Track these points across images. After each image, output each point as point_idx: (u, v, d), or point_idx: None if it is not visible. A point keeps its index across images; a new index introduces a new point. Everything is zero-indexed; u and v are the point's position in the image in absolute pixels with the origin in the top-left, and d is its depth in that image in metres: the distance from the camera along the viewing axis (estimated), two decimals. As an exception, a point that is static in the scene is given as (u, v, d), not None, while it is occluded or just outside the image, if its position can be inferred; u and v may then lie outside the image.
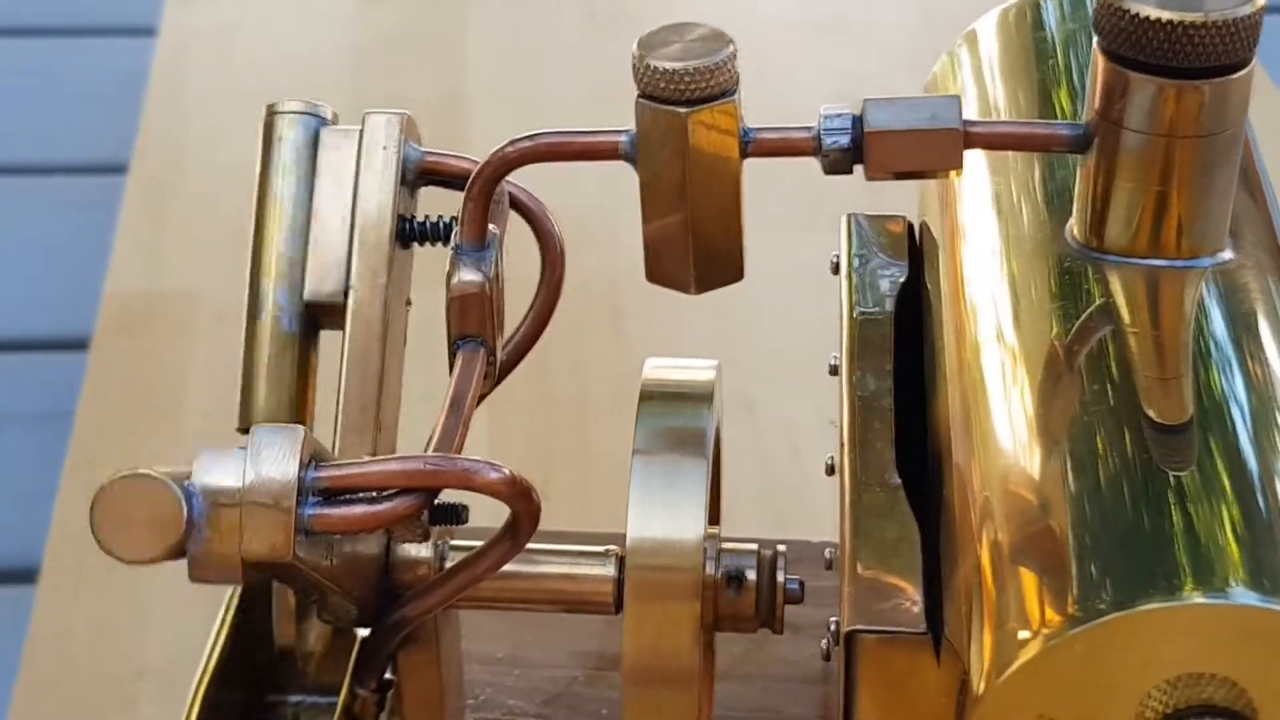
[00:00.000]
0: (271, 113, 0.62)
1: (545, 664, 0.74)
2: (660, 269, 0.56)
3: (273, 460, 0.50)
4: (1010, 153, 0.59)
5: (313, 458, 0.51)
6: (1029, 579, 0.46)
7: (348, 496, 0.51)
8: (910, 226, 0.65)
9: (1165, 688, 0.45)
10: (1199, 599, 0.44)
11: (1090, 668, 0.44)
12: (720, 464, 0.65)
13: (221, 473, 0.50)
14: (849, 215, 0.65)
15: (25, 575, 0.90)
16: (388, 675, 0.62)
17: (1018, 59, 0.64)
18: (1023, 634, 0.45)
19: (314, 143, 0.62)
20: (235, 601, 0.64)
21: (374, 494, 0.51)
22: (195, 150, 1.18)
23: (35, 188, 1.19)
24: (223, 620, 0.64)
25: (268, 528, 0.50)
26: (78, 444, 0.95)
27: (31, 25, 1.34)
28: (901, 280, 0.62)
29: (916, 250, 0.64)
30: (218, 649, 0.63)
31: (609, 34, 1.25)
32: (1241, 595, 0.44)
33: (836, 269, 0.64)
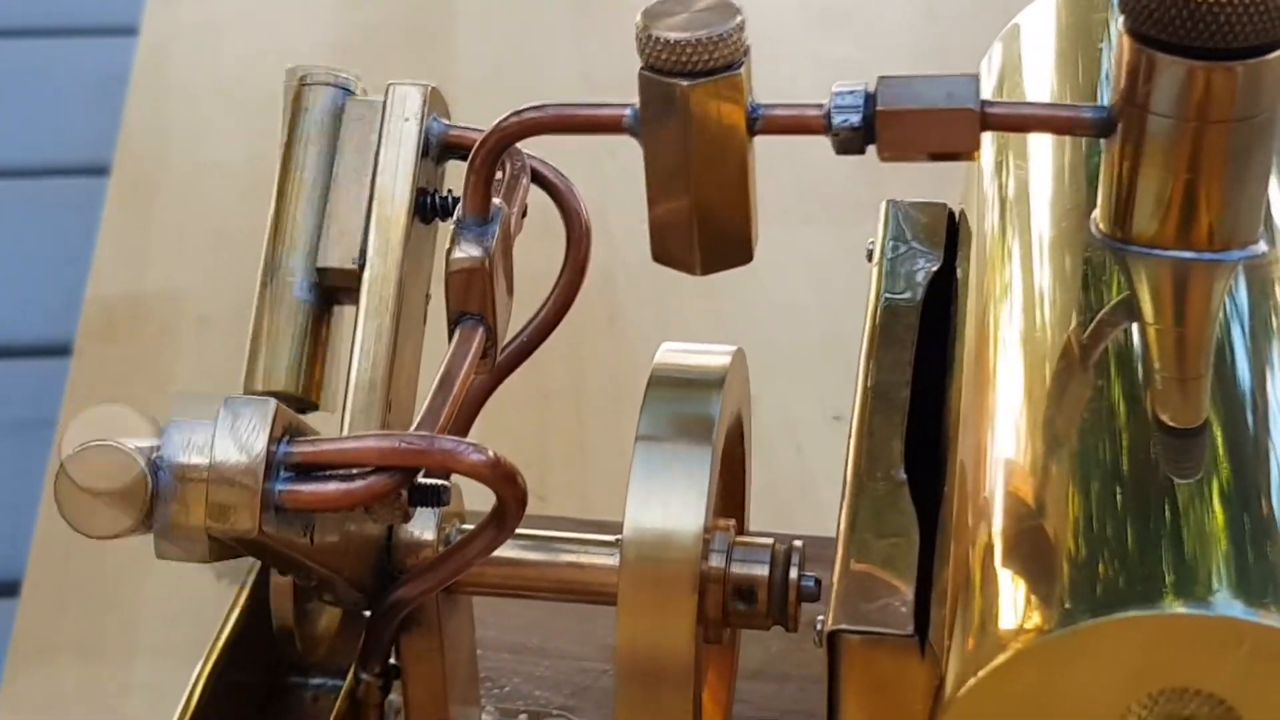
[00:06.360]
0: (298, 82, 0.61)
1: (576, 656, 0.72)
2: (665, 249, 0.54)
3: (242, 433, 0.49)
4: (1047, 136, 0.57)
5: (286, 431, 0.49)
6: (1010, 582, 0.44)
7: (322, 473, 0.49)
8: (951, 214, 0.62)
9: (1147, 702, 0.42)
10: (1179, 608, 0.41)
11: (1065, 679, 0.42)
12: (746, 455, 0.63)
13: (190, 445, 0.48)
14: (888, 201, 0.63)
15: (7, 588, 0.88)
16: (393, 661, 0.60)
17: (1068, 44, 0.61)
18: (995, 639, 0.42)
19: (338, 113, 0.61)
20: (251, 581, 0.63)
21: (351, 471, 0.50)
22: (178, 150, 1.17)
23: (15, 190, 1.17)
24: (235, 601, 0.63)
25: (234, 503, 0.48)
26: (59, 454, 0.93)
27: (10, 25, 1.33)
28: (935, 269, 0.60)
29: (954, 238, 0.61)
30: (228, 629, 0.62)
31: (599, 21, 1.23)
32: (1225, 605, 0.41)
33: (871, 256, 0.61)
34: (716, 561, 0.56)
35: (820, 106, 0.52)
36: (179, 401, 0.49)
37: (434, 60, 1.22)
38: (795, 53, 1.18)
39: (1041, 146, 0.57)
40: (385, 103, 0.60)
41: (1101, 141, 0.51)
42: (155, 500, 0.48)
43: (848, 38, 1.21)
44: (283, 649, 0.62)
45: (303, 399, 0.59)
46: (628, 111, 0.52)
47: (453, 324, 0.55)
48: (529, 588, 0.60)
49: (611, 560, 0.58)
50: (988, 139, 0.55)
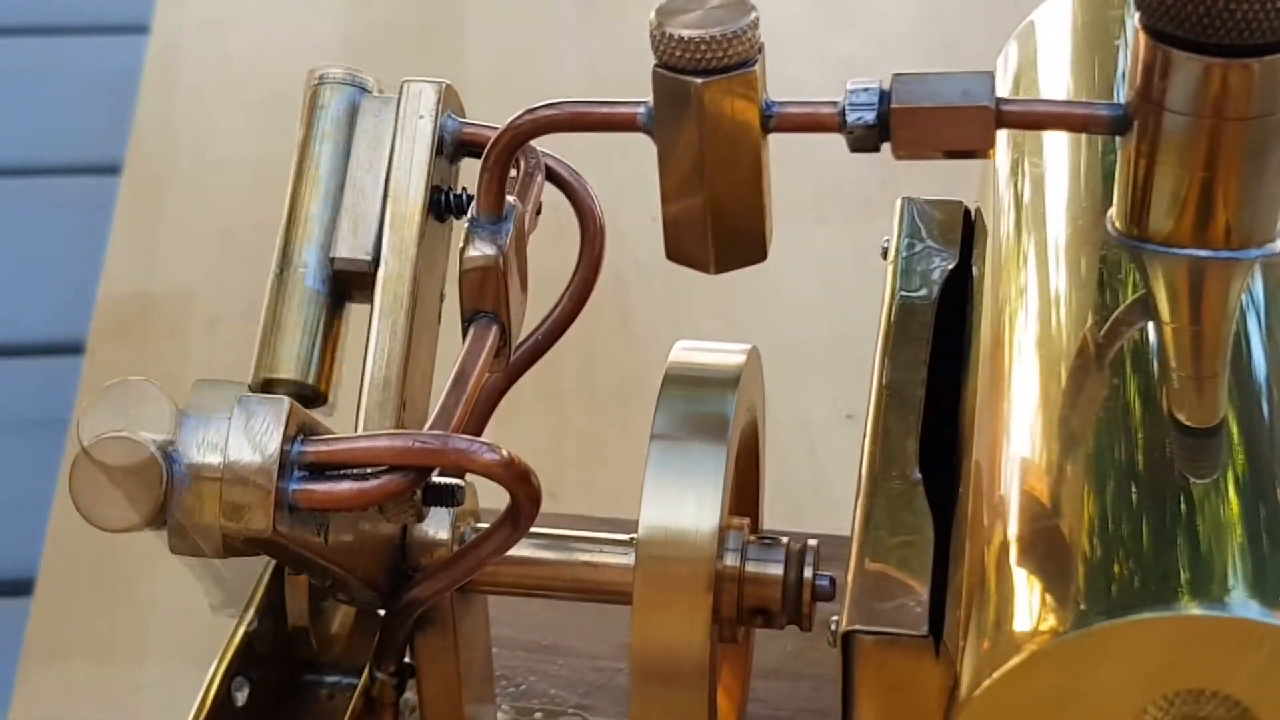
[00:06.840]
0: (314, 80, 0.61)
1: (591, 654, 0.72)
2: (679, 247, 0.54)
3: (256, 432, 0.48)
4: (1063, 134, 0.57)
5: (300, 430, 0.49)
6: (1025, 583, 0.44)
7: (336, 472, 0.49)
8: (967, 212, 0.62)
9: (1163, 704, 0.42)
10: (1195, 609, 0.41)
11: (1080, 680, 0.42)
12: (760, 454, 0.63)
13: (204, 444, 0.48)
14: (904, 199, 0.63)
15: (21, 587, 0.88)
16: (408, 660, 0.60)
17: (1083, 42, 0.61)
18: (1010, 640, 0.42)
19: (353, 111, 0.60)
20: (267, 579, 0.63)
21: (365, 471, 0.49)
22: (190, 148, 1.16)
23: (27, 189, 1.17)
24: (251, 598, 0.63)
25: (248, 502, 0.48)
26: (73, 451, 0.93)
27: (21, 24, 1.32)
28: (950, 267, 0.59)
29: (970, 236, 0.61)
30: (243, 627, 0.62)
31: (607, 20, 1.23)
32: (1241, 607, 0.41)
33: (886, 254, 0.61)
34: (731, 560, 0.56)
35: (835, 104, 0.51)
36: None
37: (442, 59, 1.21)
38: (801, 51, 1.18)
39: (1057, 144, 0.57)
40: (399, 100, 0.60)
41: (1117, 139, 0.51)
42: (171, 495, 0.48)
43: (854, 36, 1.21)
44: (298, 647, 0.62)
45: (312, 389, 0.59)
46: (641, 109, 0.52)
47: (466, 323, 0.55)
48: (544, 586, 0.59)
49: (626, 559, 0.58)
50: (1003, 137, 0.54)
